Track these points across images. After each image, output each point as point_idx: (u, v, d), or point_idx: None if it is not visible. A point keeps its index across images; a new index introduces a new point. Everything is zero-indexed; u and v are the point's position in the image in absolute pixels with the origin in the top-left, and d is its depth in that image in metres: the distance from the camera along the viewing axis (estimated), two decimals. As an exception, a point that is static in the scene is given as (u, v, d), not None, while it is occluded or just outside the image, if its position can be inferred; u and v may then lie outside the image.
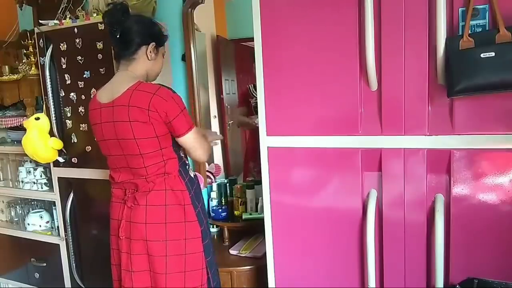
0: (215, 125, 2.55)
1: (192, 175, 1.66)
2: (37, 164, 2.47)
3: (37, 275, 2.59)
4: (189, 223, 1.57)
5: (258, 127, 1.58)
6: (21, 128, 2.37)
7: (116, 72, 1.63)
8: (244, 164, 2.64)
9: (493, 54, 1.12)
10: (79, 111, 2.18)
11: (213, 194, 2.38)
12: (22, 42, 2.42)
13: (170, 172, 1.55)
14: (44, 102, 2.29)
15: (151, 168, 1.53)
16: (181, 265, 1.55)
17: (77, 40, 2.10)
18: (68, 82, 2.18)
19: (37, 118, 2.23)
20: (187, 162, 1.67)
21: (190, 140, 1.54)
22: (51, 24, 2.17)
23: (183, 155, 1.64)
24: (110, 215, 1.66)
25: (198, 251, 1.58)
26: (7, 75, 2.41)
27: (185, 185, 1.58)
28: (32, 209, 2.64)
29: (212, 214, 2.35)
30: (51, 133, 2.25)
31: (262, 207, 1.72)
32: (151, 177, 1.53)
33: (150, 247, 1.53)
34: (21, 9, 2.54)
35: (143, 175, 1.54)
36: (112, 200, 1.66)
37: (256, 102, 1.56)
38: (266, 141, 1.54)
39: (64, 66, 2.18)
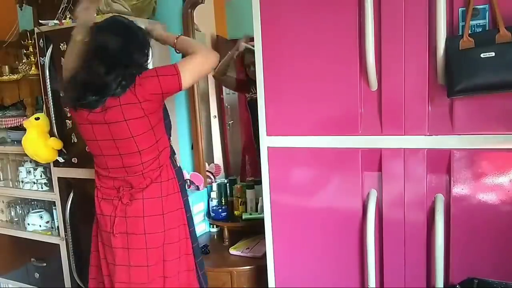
0: (215, 125, 2.55)
1: (179, 166, 1.70)
2: (37, 164, 2.47)
3: (37, 275, 2.59)
4: (179, 210, 1.61)
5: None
6: (21, 128, 2.37)
7: None
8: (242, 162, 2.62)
9: (493, 54, 1.12)
10: (79, 111, 2.18)
11: (213, 194, 2.37)
12: (22, 42, 2.42)
13: (163, 163, 1.58)
14: (44, 102, 2.29)
15: (148, 163, 1.53)
16: (177, 251, 1.59)
17: (77, 40, 2.10)
18: (68, 82, 2.18)
19: (37, 118, 2.23)
20: (175, 151, 1.71)
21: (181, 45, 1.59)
22: (51, 24, 2.17)
23: (172, 144, 1.68)
24: (97, 211, 1.64)
25: (187, 236, 1.63)
26: (7, 75, 2.41)
27: (175, 173, 1.62)
28: (32, 209, 2.64)
29: (212, 214, 2.35)
30: (51, 133, 2.25)
31: (262, 207, 1.72)
32: (148, 172, 1.53)
33: (149, 239, 1.54)
34: (21, 9, 2.54)
35: (139, 171, 1.54)
36: (99, 197, 1.64)
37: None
38: (266, 141, 1.54)
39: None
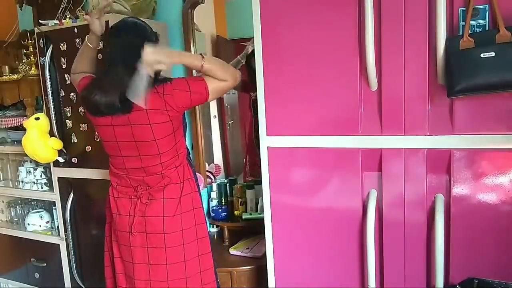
0: (215, 125, 2.55)
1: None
2: (37, 164, 2.47)
3: (37, 275, 2.59)
4: (197, 209, 1.63)
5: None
6: (21, 128, 2.37)
7: None
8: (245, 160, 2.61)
9: (493, 54, 1.12)
10: (79, 111, 2.18)
11: (213, 194, 2.38)
12: (22, 42, 2.42)
13: (181, 163, 1.62)
14: (44, 102, 2.29)
15: (166, 164, 1.57)
16: (196, 250, 1.61)
17: (77, 40, 2.10)
18: (68, 82, 2.18)
19: (37, 118, 2.23)
20: (190, 152, 1.75)
21: (209, 70, 1.50)
22: (51, 24, 2.17)
23: (188, 146, 1.71)
24: (113, 210, 1.65)
25: (205, 235, 1.66)
26: (7, 75, 2.40)
27: (192, 173, 1.66)
28: (32, 209, 2.63)
29: (212, 214, 2.35)
30: (51, 133, 2.25)
31: (262, 207, 1.72)
32: (166, 172, 1.57)
33: (168, 238, 1.56)
34: (21, 9, 2.54)
35: (158, 172, 1.56)
36: (114, 196, 1.65)
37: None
38: (266, 141, 1.54)
39: (64, 66, 2.17)
